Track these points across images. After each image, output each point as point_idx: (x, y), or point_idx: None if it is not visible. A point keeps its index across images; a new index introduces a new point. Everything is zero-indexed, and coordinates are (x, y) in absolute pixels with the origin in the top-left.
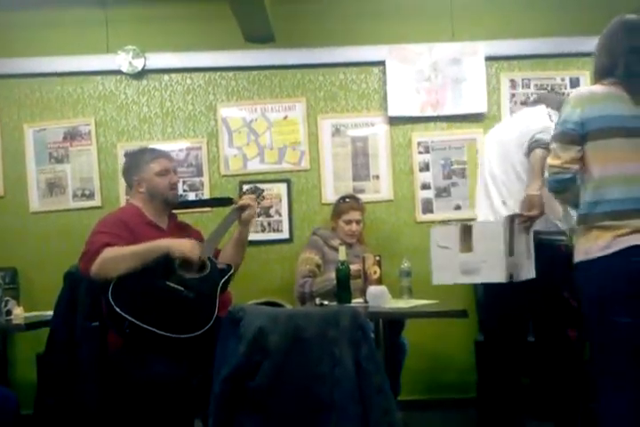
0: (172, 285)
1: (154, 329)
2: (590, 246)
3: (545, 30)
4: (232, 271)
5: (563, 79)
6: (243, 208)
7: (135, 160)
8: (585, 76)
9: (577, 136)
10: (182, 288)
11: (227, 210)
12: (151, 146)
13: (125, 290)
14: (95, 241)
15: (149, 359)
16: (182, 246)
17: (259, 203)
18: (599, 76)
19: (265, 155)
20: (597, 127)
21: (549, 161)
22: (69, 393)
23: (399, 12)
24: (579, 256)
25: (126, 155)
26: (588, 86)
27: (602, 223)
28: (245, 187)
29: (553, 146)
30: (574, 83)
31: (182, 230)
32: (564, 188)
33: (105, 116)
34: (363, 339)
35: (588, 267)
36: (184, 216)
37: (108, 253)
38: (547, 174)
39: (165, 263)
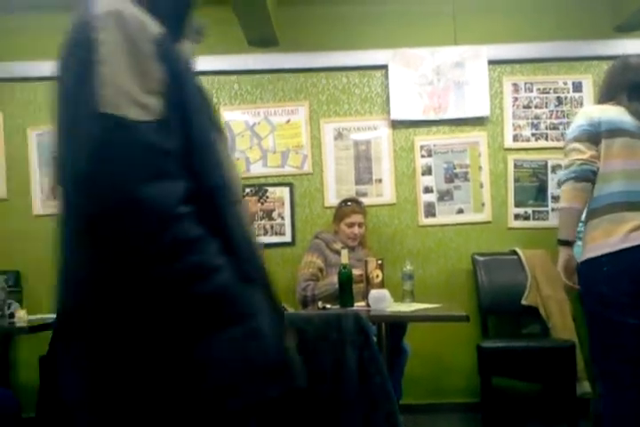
0: None
1: None
2: (600, 243)
3: (547, 34)
4: None
5: (565, 83)
6: None
7: None
8: (588, 80)
9: (594, 135)
10: None
11: None
12: None
13: None
14: None
15: None
16: None
17: (262, 204)
18: (602, 100)
19: (268, 158)
20: (610, 128)
21: (574, 157)
22: None
23: (402, 16)
24: (587, 253)
25: None
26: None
27: (610, 216)
28: (247, 189)
29: (573, 146)
30: (577, 87)
31: None
32: (587, 178)
33: None
34: (365, 342)
35: (598, 264)
36: None
37: None
38: (568, 170)
39: None
